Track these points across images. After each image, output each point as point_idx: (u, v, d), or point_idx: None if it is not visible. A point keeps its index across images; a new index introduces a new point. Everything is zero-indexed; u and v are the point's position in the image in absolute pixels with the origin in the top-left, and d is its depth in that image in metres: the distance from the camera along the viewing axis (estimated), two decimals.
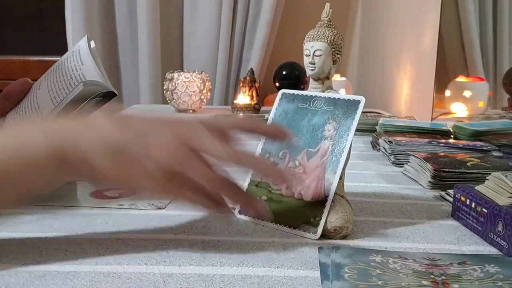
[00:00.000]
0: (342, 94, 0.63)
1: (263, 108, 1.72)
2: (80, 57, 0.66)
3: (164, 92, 1.64)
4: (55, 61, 0.69)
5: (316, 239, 0.56)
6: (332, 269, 0.47)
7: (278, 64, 1.94)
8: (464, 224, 0.61)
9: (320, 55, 0.61)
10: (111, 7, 2.10)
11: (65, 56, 0.69)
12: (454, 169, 0.77)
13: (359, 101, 0.61)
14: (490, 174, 0.61)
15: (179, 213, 0.64)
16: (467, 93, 1.39)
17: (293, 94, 0.65)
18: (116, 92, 0.66)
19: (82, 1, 2.01)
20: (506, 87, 1.34)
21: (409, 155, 0.88)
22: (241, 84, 1.67)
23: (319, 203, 0.58)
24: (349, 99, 0.61)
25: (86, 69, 0.65)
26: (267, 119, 0.66)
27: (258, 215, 0.59)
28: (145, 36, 2.03)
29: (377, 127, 1.16)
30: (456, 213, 0.63)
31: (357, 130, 0.60)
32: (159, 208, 0.65)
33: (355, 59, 2.32)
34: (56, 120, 0.55)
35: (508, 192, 0.56)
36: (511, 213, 0.52)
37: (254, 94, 1.65)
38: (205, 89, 1.63)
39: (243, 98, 1.65)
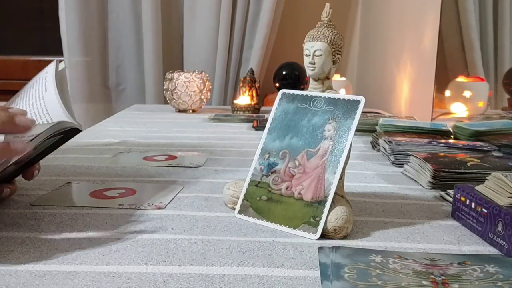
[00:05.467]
0: (342, 94, 0.63)
1: (263, 108, 1.72)
2: (45, 83, 0.65)
3: (164, 92, 1.64)
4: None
5: (316, 239, 0.56)
6: (332, 269, 0.47)
7: (278, 64, 1.94)
8: (464, 224, 0.61)
9: (320, 55, 0.61)
10: (107, 6, 2.10)
11: (31, 82, 0.67)
12: (454, 169, 0.77)
13: (359, 101, 0.61)
14: (490, 174, 0.61)
15: (179, 213, 0.64)
16: (467, 93, 1.39)
17: (293, 94, 0.65)
18: (80, 128, 0.62)
19: (77, 1, 2.01)
20: (506, 87, 1.34)
21: (409, 155, 0.88)
22: (241, 84, 1.67)
23: (319, 203, 0.58)
24: (349, 99, 0.61)
25: (51, 103, 0.62)
26: (267, 119, 0.66)
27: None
28: (148, 36, 2.03)
29: (377, 127, 1.16)
30: (456, 213, 0.63)
31: (357, 130, 0.60)
32: (159, 208, 0.65)
33: (355, 59, 2.32)
34: None
35: (508, 192, 0.56)
36: (511, 213, 0.52)
37: (254, 94, 1.65)
38: (205, 89, 1.63)
39: (243, 98, 1.65)
